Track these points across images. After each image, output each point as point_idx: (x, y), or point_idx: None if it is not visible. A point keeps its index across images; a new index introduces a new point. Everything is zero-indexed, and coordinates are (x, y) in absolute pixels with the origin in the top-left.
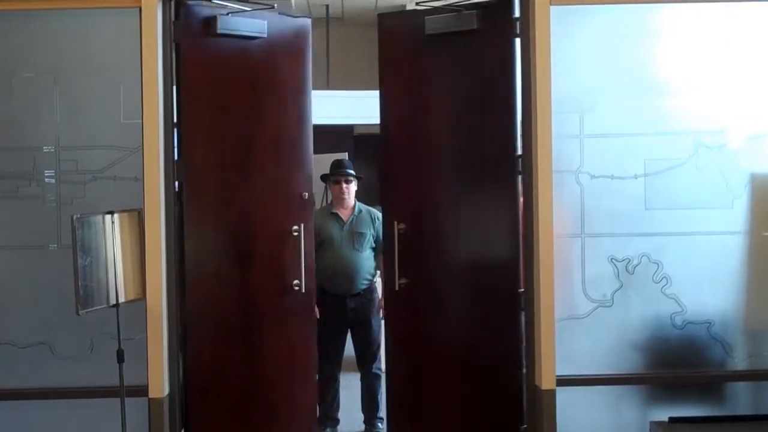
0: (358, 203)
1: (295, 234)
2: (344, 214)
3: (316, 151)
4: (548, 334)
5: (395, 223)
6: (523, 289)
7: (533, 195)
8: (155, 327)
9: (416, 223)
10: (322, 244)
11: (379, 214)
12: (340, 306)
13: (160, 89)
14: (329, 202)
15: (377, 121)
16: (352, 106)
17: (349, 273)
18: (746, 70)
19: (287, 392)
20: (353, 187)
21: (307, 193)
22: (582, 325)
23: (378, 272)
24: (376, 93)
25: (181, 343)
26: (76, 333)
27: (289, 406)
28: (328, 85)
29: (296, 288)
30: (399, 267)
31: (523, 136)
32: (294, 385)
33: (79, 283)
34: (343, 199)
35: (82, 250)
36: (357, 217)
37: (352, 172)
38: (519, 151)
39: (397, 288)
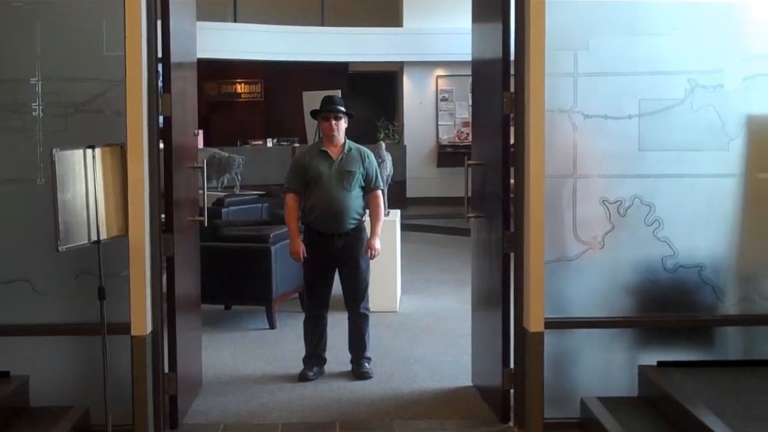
0: (348, 141)
1: None
2: (333, 152)
3: (309, 88)
4: (537, 277)
5: None
6: (513, 230)
7: (525, 134)
8: (138, 264)
9: None
10: (309, 182)
11: (370, 153)
12: (328, 245)
13: (143, 19)
14: (318, 139)
15: (373, 58)
16: (347, 43)
17: (337, 212)
18: (744, 8)
19: None
20: (343, 124)
21: None
22: (572, 267)
23: (366, 212)
24: (373, 30)
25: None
26: (60, 269)
27: None
28: (322, 22)
29: None
30: None
31: (515, 73)
32: None
33: (60, 219)
34: (333, 136)
35: (62, 184)
36: (347, 155)
37: (342, 108)
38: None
39: None
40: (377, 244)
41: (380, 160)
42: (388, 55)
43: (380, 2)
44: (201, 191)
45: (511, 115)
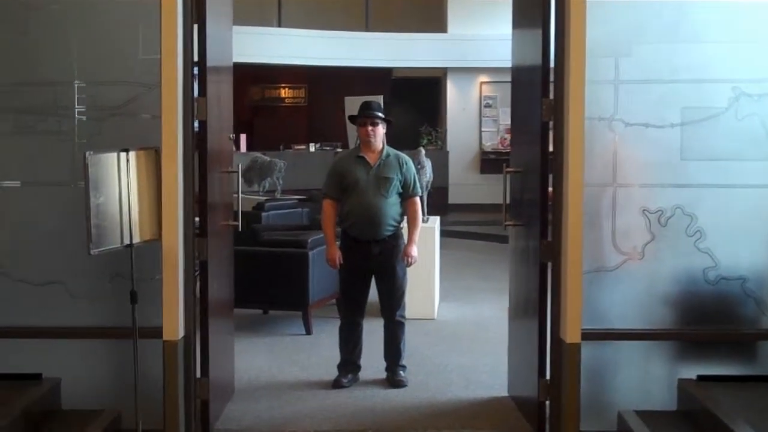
0: (387, 147)
1: None
2: (371, 158)
3: (352, 93)
4: (574, 287)
5: None
6: (550, 240)
7: (564, 142)
8: (171, 268)
9: None
10: (346, 188)
11: (408, 159)
12: (365, 252)
13: (179, 24)
14: (356, 145)
15: (417, 64)
16: (392, 49)
17: (374, 218)
18: None
19: None
20: (380, 129)
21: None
22: (611, 278)
23: (404, 218)
24: (417, 36)
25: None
26: (94, 272)
27: None
28: (367, 27)
29: None
30: None
31: (555, 80)
32: None
33: (92, 222)
34: (370, 141)
35: (95, 188)
36: (384, 161)
37: (379, 114)
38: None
39: None
40: (414, 251)
41: (419, 167)
42: (432, 60)
43: (425, 8)
44: (236, 196)
45: (551, 123)
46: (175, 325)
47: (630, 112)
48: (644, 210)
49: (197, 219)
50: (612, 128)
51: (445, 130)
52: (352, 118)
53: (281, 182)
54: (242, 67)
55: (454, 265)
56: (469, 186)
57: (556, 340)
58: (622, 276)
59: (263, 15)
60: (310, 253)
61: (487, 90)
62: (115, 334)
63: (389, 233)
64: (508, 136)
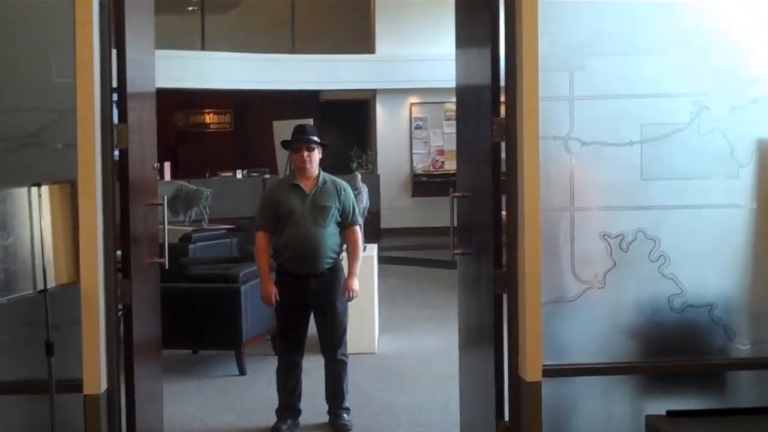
0: (322, 173)
1: None
2: (306, 186)
3: (279, 117)
4: (533, 320)
5: None
6: (505, 269)
7: (517, 163)
8: (91, 314)
9: None
10: (281, 219)
11: (346, 185)
12: (302, 287)
13: (95, 47)
14: (290, 172)
15: (345, 86)
16: (319, 71)
17: (311, 251)
18: (754, 26)
19: None
20: (316, 155)
21: None
22: (571, 308)
23: (343, 249)
24: (344, 57)
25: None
26: (5, 320)
27: None
28: (293, 49)
29: None
30: None
31: (507, 97)
32: None
33: (0, 266)
34: (305, 168)
35: (2, 228)
36: (321, 188)
37: (315, 138)
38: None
39: None
40: (355, 284)
41: (356, 192)
42: (360, 82)
43: (352, 28)
44: (162, 228)
45: (502, 144)
46: (96, 377)
47: (586, 129)
48: (604, 234)
49: (119, 257)
50: (568, 148)
51: (376, 153)
52: (285, 144)
53: (208, 211)
54: (165, 92)
55: (391, 294)
56: (401, 210)
57: (515, 378)
58: (582, 306)
59: (186, 38)
60: (243, 288)
61: (417, 111)
62: (30, 388)
63: (328, 266)
64: (440, 158)
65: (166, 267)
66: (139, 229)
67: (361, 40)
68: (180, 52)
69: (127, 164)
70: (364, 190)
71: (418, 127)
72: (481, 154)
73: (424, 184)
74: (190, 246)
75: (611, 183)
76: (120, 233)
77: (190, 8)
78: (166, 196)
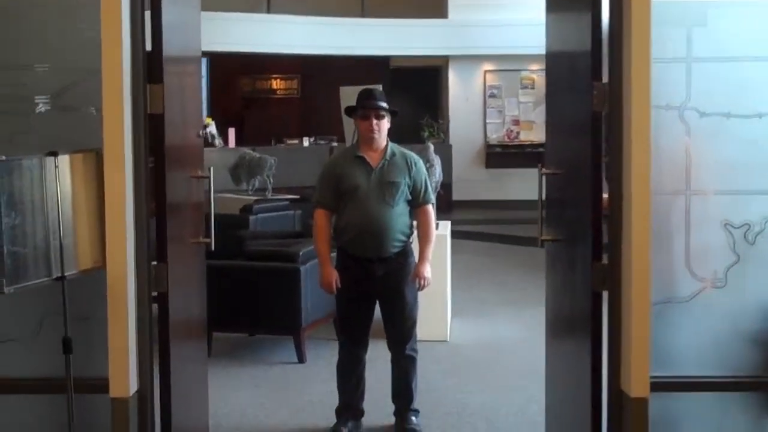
0: (391, 145)
1: None
2: (373, 158)
3: (348, 84)
4: (641, 325)
5: None
6: (606, 262)
7: (623, 137)
8: (118, 305)
9: None
10: (343, 195)
11: (418, 159)
12: (367, 273)
13: (124, 12)
14: (354, 142)
15: (416, 52)
16: (389, 36)
17: (377, 232)
18: None
19: None
20: (385, 123)
21: None
22: (683, 311)
23: (414, 230)
24: (416, 22)
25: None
26: (23, 312)
27: None
28: (363, 13)
29: None
30: None
31: (611, 58)
32: None
33: (5, 250)
34: (373, 138)
35: (9, 205)
36: (389, 162)
37: (384, 104)
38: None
39: None
40: (427, 271)
41: (429, 165)
42: (432, 48)
43: None
44: (213, 203)
45: (604, 114)
46: (124, 378)
47: (707, 98)
48: (726, 224)
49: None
50: (684, 119)
51: (448, 123)
52: (349, 110)
53: (272, 180)
54: (229, 56)
55: (464, 273)
56: (474, 182)
57: (616, 392)
58: (698, 308)
59: (251, 0)
60: (302, 268)
61: (491, 79)
62: (51, 388)
63: (396, 250)
64: (515, 128)
65: (212, 248)
66: (179, 204)
67: (433, 5)
68: (245, 15)
69: (163, 130)
70: (437, 162)
71: (492, 96)
72: (577, 126)
73: (499, 155)
74: (251, 218)
75: (735, 162)
76: (154, 211)
77: None
78: (212, 168)
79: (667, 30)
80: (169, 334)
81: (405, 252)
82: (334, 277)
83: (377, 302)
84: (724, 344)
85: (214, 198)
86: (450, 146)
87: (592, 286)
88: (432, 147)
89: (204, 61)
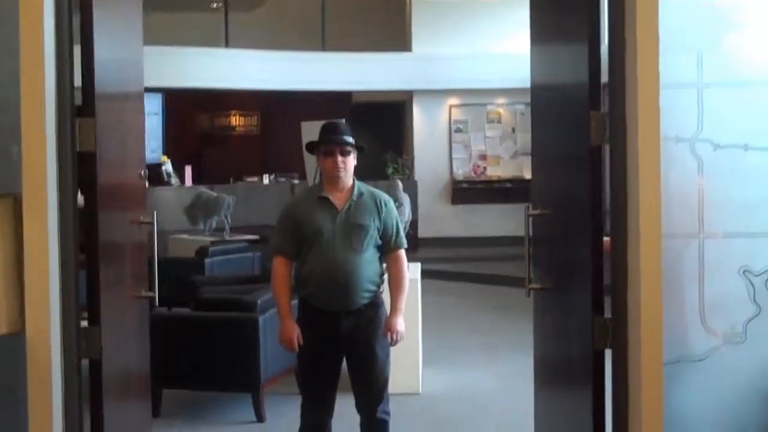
0: (358, 183)
1: None
2: (338, 199)
3: (308, 119)
4: (653, 388)
5: None
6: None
7: (627, 173)
8: (41, 376)
9: None
10: (305, 240)
11: (388, 198)
12: (332, 327)
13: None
14: (317, 181)
15: (379, 86)
16: (351, 70)
17: (344, 282)
18: None
19: None
20: (351, 160)
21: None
22: (698, 370)
23: (384, 279)
24: (378, 56)
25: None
26: None
27: None
28: (324, 46)
29: None
30: None
31: (611, 83)
32: None
33: None
34: (338, 177)
35: None
36: (356, 203)
37: (350, 139)
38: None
39: None
40: (400, 324)
41: (398, 205)
42: (395, 82)
43: (387, 25)
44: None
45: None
46: None
47: (721, 128)
48: (745, 271)
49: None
50: (695, 152)
51: (412, 158)
52: (311, 146)
53: (230, 220)
54: (186, 92)
55: (433, 316)
56: (440, 219)
57: None
58: (714, 368)
59: (209, 35)
60: (261, 318)
61: (456, 114)
62: None
63: (365, 302)
64: (482, 163)
65: (156, 303)
66: (116, 253)
67: (396, 38)
68: (202, 49)
69: (95, 169)
70: (405, 201)
71: (458, 131)
72: (570, 161)
73: (465, 191)
74: (206, 261)
75: (755, 200)
76: (85, 263)
77: (214, 5)
78: (155, 212)
79: (674, 53)
80: (102, 405)
81: (375, 303)
82: (296, 332)
83: (344, 360)
84: (743, 407)
85: (159, 244)
86: (415, 182)
87: (593, 345)
88: (401, 185)
89: (159, 97)
